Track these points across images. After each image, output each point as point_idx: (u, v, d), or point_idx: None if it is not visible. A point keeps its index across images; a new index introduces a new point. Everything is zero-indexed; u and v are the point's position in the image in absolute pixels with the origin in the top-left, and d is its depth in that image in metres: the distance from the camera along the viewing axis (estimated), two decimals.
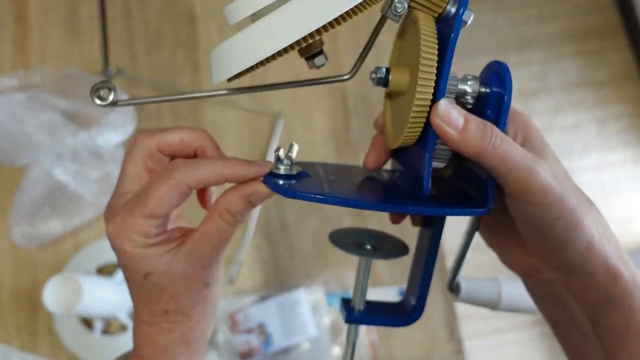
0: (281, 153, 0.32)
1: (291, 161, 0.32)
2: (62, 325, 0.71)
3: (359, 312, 0.36)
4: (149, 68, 0.83)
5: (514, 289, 0.41)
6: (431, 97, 0.30)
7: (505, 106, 0.30)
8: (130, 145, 0.34)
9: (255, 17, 0.29)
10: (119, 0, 0.86)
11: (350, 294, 0.74)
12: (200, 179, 0.31)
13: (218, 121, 0.81)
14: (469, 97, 0.32)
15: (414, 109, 0.30)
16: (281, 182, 0.31)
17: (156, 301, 0.33)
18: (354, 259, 0.76)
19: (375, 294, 0.73)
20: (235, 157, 0.33)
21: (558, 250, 0.31)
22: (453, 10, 0.31)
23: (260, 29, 0.27)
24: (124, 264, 0.33)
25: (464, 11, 0.30)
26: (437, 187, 0.35)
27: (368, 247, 0.35)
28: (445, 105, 0.29)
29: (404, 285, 0.73)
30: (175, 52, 0.84)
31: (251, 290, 0.73)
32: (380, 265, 0.75)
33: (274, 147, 0.79)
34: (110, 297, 0.66)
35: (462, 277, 0.41)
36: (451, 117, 0.29)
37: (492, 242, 0.38)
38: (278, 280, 0.74)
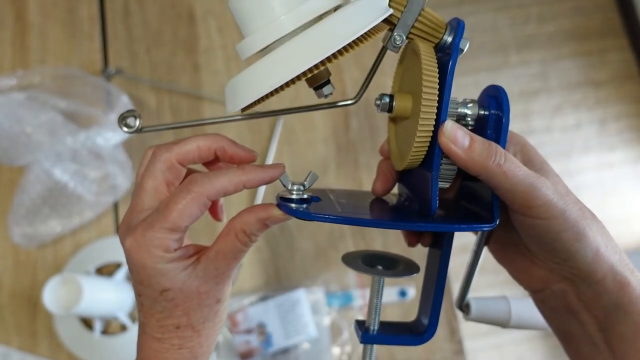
0: (294, 186, 0.34)
1: (304, 187, 0.34)
2: (62, 326, 0.71)
3: (374, 332, 0.37)
4: (149, 68, 0.83)
5: (523, 307, 0.41)
6: (434, 121, 0.32)
7: (504, 127, 0.32)
8: (147, 161, 0.34)
9: (265, 51, 0.30)
10: (119, 0, 0.86)
11: (349, 294, 0.74)
12: (219, 189, 0.32)
13: None
14: (469, 119, 0.34)
15: (419, 132, 0.32)
16: (294, 205, 0.33)
17: (168, 317, 0.33)
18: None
19: None
20: (235, 144, 0.35)
21: (567, 261, 0.32)
22: (449, 39, 0.33)
23: (270, 62, 0.29)
24: (141, 280, 0.32)
25: (459, 40, 0.32)
26: (443, 208, 0.36)
27: (379, 267, 0.36)
28: (451, 126, 0.31)
29: (404, 286, 0.73)
30: (174, 52, 0.84)
31: (251, 291, 0.73)
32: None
33: (274, 147, 0.79)
34: (110, 297, 0.66)
35: (470, 297, 0.42)
36: (457, 136, 0.31)
37: (502, 258, 0.38)
38: (278, 281, 0.74)
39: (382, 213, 0.37)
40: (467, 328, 1.51)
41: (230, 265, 0.33)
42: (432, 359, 0.72)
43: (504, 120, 0.32)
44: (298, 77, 0.29)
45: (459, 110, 0.33)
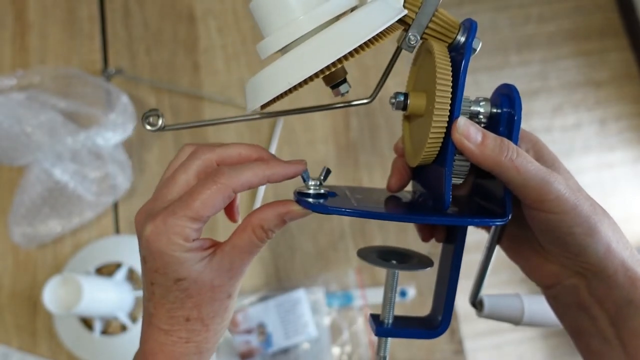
0: (311, 182, 0.36)
1: (320, 182, 0.35)
2: (62, 326, 0.70)
3: (389, 326, 0.37)
4: (149, 68, 0.83)
5: (536, 304, 0.42)
6: (448, 118, 0.33)
7: (516, 124, 0.33)
8: (185, 155, 0.35)
9: (284, 50, 0.32)
10: (119, 0, 0.86)
11: (349, 294, 0.74)
12: (244, 182, 0.32)
13: None
14: (482, 117, 0.34)
15: (433, 129, 0.32)
16: (312, 200, 0.34)
17: (180, 308, 0.33)
18: (353, 260, 0.76)
19: (375, 294, 0.73)
20: (274, 158, 0.35)
21: (579, 256, 0.33)
22: (462, 39, 0.34)
23: (288, 60, 0.30)
24: (157, 268, 0.32)
25: (472, 40, 0.33)
26: (456, 205, 0.37)
27: (394, 261, 0.37)
28: (464, 122, 0.32)
29: (406, 286, 0.73)
30: (174, 52, 0.84)
31: (251, 291, 0.73)
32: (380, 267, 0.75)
33: (274, 146, 0.79)
34: (110, 297, 0.66)
35: (483, 294, 0.42)
36: (470, 132, 0.31)
37: (514, 254, 0.39)
38: (278, 281, 0.74)
39: (396, 208, 0.38)
40: (467, 328, 1.51)
41: (245, 260, 0.34)
42: (432, 359, 0.72)
43: (515, 117, 0.33)
44: (316, 75, 0.30)
45: (471, 108, 0.34)
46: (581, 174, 1.68)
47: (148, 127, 0.35)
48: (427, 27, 0.34)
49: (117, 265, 0.72)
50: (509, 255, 0.39)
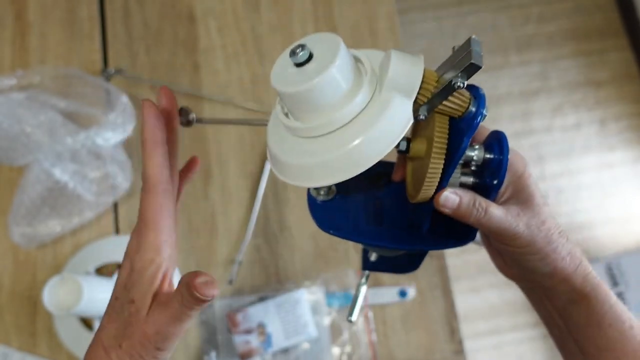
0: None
1: (329, 187, 0.41)
2: (62, 325, 0.70)
3: (373, 261, 0.45)
4: (149, 68, 0.83)
5: None
6: (438, 179, 0.37)
7: (503, 170, 0.38)
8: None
9: (327, 135, 0.35)
10: (119, 0, 0.86)
11: (350, 294, 0.74)
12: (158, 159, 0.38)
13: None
14: (474, 163, 0.39)
15: (423, 190, 0.38)
16: (319, 203, 0.42)
17: (121, 329, 0.36)
18: (353, 260, 0.76)
19: (375, 294, 0.73)
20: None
21: (530, 273, 0.41)
22: (474, 109, 0.36)
23: (339, 162, 0.34)
24: (125, 283, 0.36)
25: (481, 119, 0.35)
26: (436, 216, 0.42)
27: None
28: (445, 197, 0.38)
29: (404, 286, 0.73)
30: (174, 52, 0.84)
31: (251, 291, 0.73)
32: None
33: None
34: (110, 297, 0.66)
35: None
36: (448, 203, 0.38)
37: (489, 252, 0.46)
38: (278, 280, 0.74)
39: (380, 221, 0.43)
40: (467, 328, 1.51)
41: (168, 323, 0.35)
42: (432, 359, 0.72)
43: (503, 162, 0.37)
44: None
45: (467, 153, 0.38)
46: (581, 173, 1.68)
47: (184, 124, 0.38)
48: (437, 106, 0.35)
49: (117, 266, 0.72)
50: (486, 248, 0.46)
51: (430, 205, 0.39)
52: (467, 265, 1.49)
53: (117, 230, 0.76)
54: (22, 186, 0.72)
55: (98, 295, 0.64)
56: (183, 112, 0.39)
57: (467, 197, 0.38)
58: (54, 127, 0.71)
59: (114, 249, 0.73)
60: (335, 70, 0.32)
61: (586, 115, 1.74)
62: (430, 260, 0.75)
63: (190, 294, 0.34)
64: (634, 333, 0.39)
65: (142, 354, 0.36)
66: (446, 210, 0.38)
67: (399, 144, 0.37)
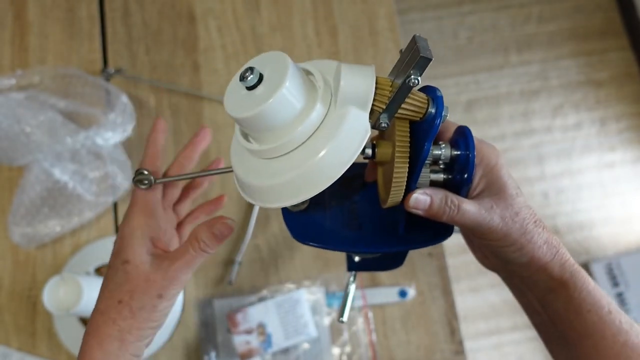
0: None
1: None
2: (62, 326, 0.70)
3: (357, 261, 0.46)
4: (148, 68, 0.83)
5: None
6: (405, 180, 0.37)
7: (470, 166, 0.38)
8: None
9: (283, 156, 0.35)
10: (118, 0, 0.86)
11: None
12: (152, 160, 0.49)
13: (217, 119, 0.80)
14: (441, 161, 0.39)
15: (391, 196, 0.38)
16: (294, 212, 0.42)
17: (117, 289, 0.40)
18: None
19: (375, 295, 0.73)
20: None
21: (508, 264, 0.42)
22: (433, 111, 0.36)
23: (299, 181, 0.34)
24: (116, 250, 0.42)
25: (441, 121, 0.36)
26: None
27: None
28: (414, 198, 0.38)
29: (404, 286, 0.73)
30: (174, 52, 0.84)
31: (251, 291, 0.73)
32: None
33: None
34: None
35: None
36: (419, 204, 0.38)
37: (468, 243, 0.47)
38: (278, 280, 0.74)
39: (358, 229, 0.43)
40: (468, 328, 1.51)
41: (181, 267, 0.40)
42: (433, 359, 0.72)
43: (470, 157, 0.38)
44: None
45: (434, 152, 0.39)
46: (582, 173, 1.68)
47: (142, 187, 0.41)
48: (397, 111, 0.36)
49: None
50: (465, 240, 0.47)
51: (403, 207, 0.39)
52: (467, 265, 1.49)
53: (117, 230, 0.76)
54: (21, 186, 0.72)
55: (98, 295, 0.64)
56: (138, 174, 0.41)
57: (439, 195, 0.38)
58: (53, 127, 0.71)
59: None
60: (285, 91, 0.32)
61: (586, 115, 1.74)
62: (430, 261, 0.75)
63: (211, 234, 0.39)
64: (612, 318, 0.39)
65: (144, 301, 0.39)
66: (418, 212, 0.38)
67: (364, 150, 0.37)
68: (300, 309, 0.70)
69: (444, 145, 0.39)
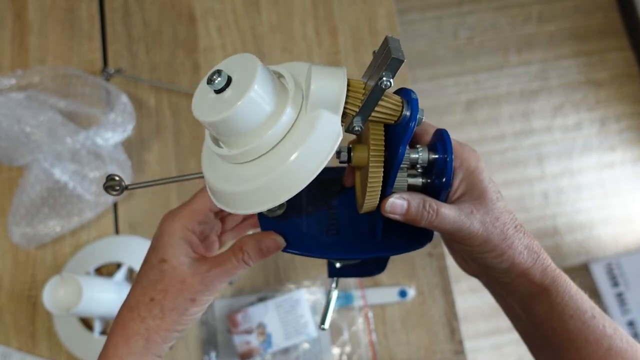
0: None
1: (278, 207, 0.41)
2: (62, 326, 0.70)
3: (338, 268, 0.46)
4: (148, 68, 0.83)
5: None
6: (381, 185, 0.37)
7: (449, 169, 0.37)
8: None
9: (255, 160, 0.35)
10: (118, 0, 0.86)
11: (349, 295, 0.74)
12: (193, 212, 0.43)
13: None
14: (419, 165, 0.39)
15: (366, 201, 0.37)
16: (270, 218, 0.41)
17: (151, 287, 0.39)
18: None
19: (375, 295, 0.73)
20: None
21: (489, 270, 0.41)
22: (408, 114, 0.36)
23: (270, 187, 0.34)
24: (154, 246, 0.40)
25: (414, 126, 0.35)
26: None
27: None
28: (390, 203, 0.38)
29: (404, 286, 0.73)
30: (174, 52, 0.84)
31: (251, 291, 0.73)
32: None
33: None
34: (110, 297, 0.66)
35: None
36: (396, 209, 0.38)
37: (448, 249, 0.47)
38: (278, 281, 0.74)
39: (336, 236, 0.43)
40: (468, 328, 1.51)
41: (219, 275, 0.39)
42: (433, 359, 0.72)
43: (448, 160, 0.37)
44: None
45: (411, 156, 0.38)
46: (582, 173, 1.68)
47: (113, 194, 0.38)
48: (370, 115, 0.35)
49: (117, 266, 0.72)
50: (446, 245, 0.47)
51: (378, 229, 0.39)
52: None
53: (117, 231, 0.76)
54: (21, 186, 0.72)
55: (98, 295, 0.64)
56: (109, 179, 0.38)
57: (416, 200, 0.38)
58: (53, 127, 0.71)
59: (114, 249, 0.73)
60: (254, 94, 0.31)
61: (587, 115, 1.74)
62: (430, 261, 0.75)
63: (258, 249, 0.39)
64: (596, 322, 0.39)
65: (177, 303, 0.39)
66: (395, 217, 0.38)
67: (340, 154, 0.37)
68: (300, 309, 0.70)
69: (421, 148, 0.38)
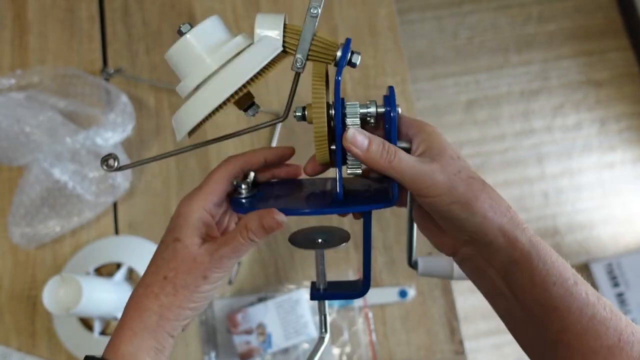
0: (243, 185, 0.44)
1: (249, 185, 0.44)
2: (62, 326, 0.70)
3: (321, 291, 0.46)
4: (148, 68, 0.83)
5: None
6: (325, 127, 0.39)
7: (393, 119, 0.40)
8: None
9: (198, 88, 0.40)
10: (118, 0, 0.86)
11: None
12: (245, 159, 0.44)
13: (218, 121, 0.80)
14: (370, 117, 0.41)
15: (315, 137, 0.40)
16: (243, 200, 0.43)
17: (164, 265, 0.40)
18: (353, 260, 0.76)
19: (375, 295, 0.73)
20: (271, 147, 0.46)
21: (461, 227, 0.39)
22: (339, 54, 0.40)
23: (198, 98, 0.39)
24: (170, 227, 0.42)
25: (346, 55, 0.40)
26: (368, 191, 0.44)
27: (319, 240, 0.44)
28: (352, 132, 0.39)
29: (404, 286, 0.73)
30: None
31: (251, 291, 0.73)
32: (380, 267, 0.75)
33: (274, 145, 0.79)
34: (110, 297, 0.66)
35: (419, 256, 0.50)
36: (357, 140, 0.39)
37: (423, 229, 0.45)
38: (278, 281, 0.74)
39: (304, 201, 0.45)
40: (468, 328, 1.51)
41: (228, 254, 0.40)
42: (433, 359, 0.72)
43: (392, 114, 0.40)
44: (220, 106, 0.39)
45: (361, 110, 0.41)
46: (582, 173, 1.68)
47: (105, 168, 0.42)
48: (309, 51, 0.40)
49: (117, 266, 0.72)
50: (420, 229, 0.46)
51: (339, 172, 0.41)
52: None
53: (116, 231, 0.76)
54: (21, 186, 0.72)
55: (98, 295, 0.64)
56: (108, 156, 0.42)
57: (376, 139, 0.39)
58: (53, 127, 0.71)
59: (114, 249, 0.73)
60: (202, 26, 0.41)
61: (587, 115, 1.74)
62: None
63: (260, 226, 0.39)
64: (579, 290, 0.37)
65: (188, 281, 0.40)
66: (356, 151, 0.38)
67: (295, 115, 0.42)
68: (300, 309, 0.70)
69: (370, 102, 0.41)
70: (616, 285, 1.54)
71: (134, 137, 0.78)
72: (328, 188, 0.47)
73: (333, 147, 0.41)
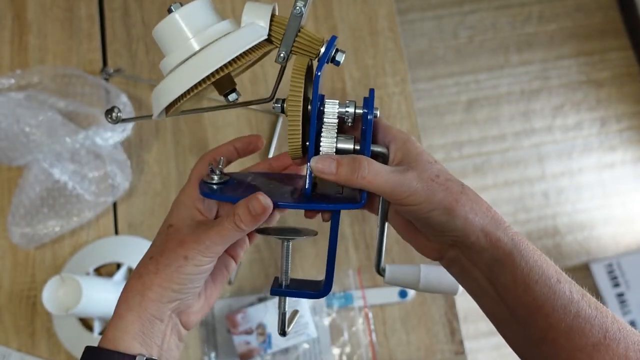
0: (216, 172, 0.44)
1: (221, 172, 0.44)
2: (61, 326, 0.70)
3: (282, 287, 0.45)
4: (148, 67, 0.83)
5: (432, 272, 0.48)
6: (300, 122, 0.40)
7: (369, 121, 0.40)
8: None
9: (177, 67, 0.40)
10: (118, 0, 0.86)
11: (350, 295, 0.74)
12: (218, 151, 0.46)
13: (218, 120, 0.80)
14: (348, 118, 0.41)
15: (288, 131, 0.40)
16: (215, 187, 0.43)
17: (154, 249, 0.41)
18: (353, 260, 0.76)
19: (375, 295, 0.73)
20: (244, 136, 0.47)
21: (444, 232, 0.39)
22: (323, 49, 0.40)
23: (176, 74, 0.39)
24: (168, 216, 0.43)
25: (328, 53, 0.40)
26: (342, 189, 0.44)
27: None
28: (315, 163, 0.39)
29: (404, 287, 0.73)
30: None
31: (250, 291, 0.73)
32: None
33: (274, 146, 0.79)
34: (109, 297, 0.66)
35: (387, 264, 0.49)
36: (325, 168, 0.39)
37: (406, 237, 0.45)
38: None
39: (274, 194, 0.44)
40: (468, 328, 1.51)
41: (214, 239, 0.40)
42: (433, 359, 0.72)
43: (369, 116, 0.40)
44: (197, 85, 0.38)
45: (339, 109, 0.41)
46: (582, 173, 1.68)
47: (109, 120, 0.43)
48: (293, 44, 0.40)
49: (117, 266, 0.72)
50: (403, 237, 0.45)
51: (309, 172, 0.41)
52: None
53: (116, 231, 0.76)
54: (21, 186, 0.72)
55: (97, 295, 0.64)
56: (112, 109, 0.43)
57: (346, 159, 0.39)
58: (53, 126, 0.71)
59: (114, 249, 0.73)
60: (191, 6, 0.41)
61: (587, 115, 1.74)
62: (430, 261, 0.75)
63: (246, 209, 0.39)
64: (562, 287, 0.37)
65: (171, 259, 0.40)
66: (327, 176, 0.39)
67: (274, 106, 0.42)
68: (300, 309, 0.70)
69: (348, 103, 0.41)
70: (616, 285, 1.54)
71: (134, 137, 0.78)
72: (300, 185, 0.47)
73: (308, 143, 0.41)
